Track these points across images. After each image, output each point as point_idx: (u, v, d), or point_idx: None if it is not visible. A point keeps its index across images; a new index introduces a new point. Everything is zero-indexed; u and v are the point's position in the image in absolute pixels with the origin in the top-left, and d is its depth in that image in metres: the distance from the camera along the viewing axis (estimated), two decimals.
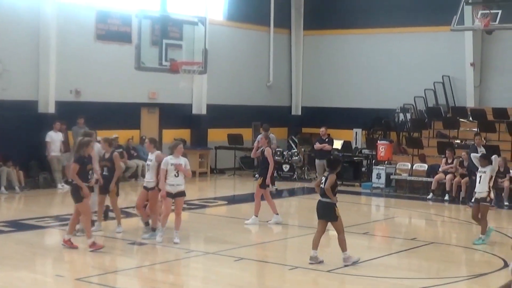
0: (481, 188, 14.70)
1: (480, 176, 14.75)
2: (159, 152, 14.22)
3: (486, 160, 14.93)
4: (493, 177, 14.78)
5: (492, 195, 14.74)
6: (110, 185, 14.34)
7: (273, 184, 23.41)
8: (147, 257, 12.97)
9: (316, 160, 23.39)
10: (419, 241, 15.07)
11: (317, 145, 22.99)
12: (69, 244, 13.08)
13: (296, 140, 28.35)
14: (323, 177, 12.54)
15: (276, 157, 25.02)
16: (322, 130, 23.19)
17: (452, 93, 27.56)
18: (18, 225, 15.60)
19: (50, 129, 21.64)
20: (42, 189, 21.40)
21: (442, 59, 27.81)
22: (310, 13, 31.13)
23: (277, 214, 16.42)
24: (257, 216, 16.22)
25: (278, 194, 22.82)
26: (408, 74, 28.49)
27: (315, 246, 12.31)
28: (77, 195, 12.95)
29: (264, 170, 16.17)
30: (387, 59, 29.27)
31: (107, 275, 11.72)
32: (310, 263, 12.16)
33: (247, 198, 21.87)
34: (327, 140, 22.98)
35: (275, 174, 24.59)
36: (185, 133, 26.31)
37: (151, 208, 14.20)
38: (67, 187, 21.81)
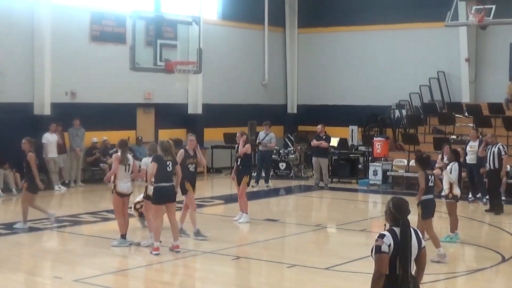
0: (444, 185, 14.67)
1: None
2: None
3: (452, 155, 14.90)
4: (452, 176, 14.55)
5: (455, 191, 14.37)
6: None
7: (267, 181, 23.61)
8: (144, 258, 12.97)
9: (313, 157, 23.42)
10: None
11: (314, 142, 23.02)
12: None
13: (292, 138, 28.37)
14: None
15: (273, 156, 25.09)
16: (319, 127, 23.21)
17: (448, 89, 27.60)
18: (15, 228, 15.59)
19: (46, 131, 21.62)
20: (39, 191, 21.31)
21: (437, 55, 27.84)
22: (304, 11, 31.14)
23: (247, 213, 16.32)
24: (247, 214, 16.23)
25: (275, 192, 22.87)
26: (403, 70, 28.51)
27: None
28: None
29: (247, 168, 16.31)
30: (382, 55, 29.29)
31: (105, 276, 11.72)
32: None
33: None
34: (324, 137, 23.00)
35: (271, 173, 24.85)
36: (181, 133, 26.29)
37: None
38: (64, 189, 21.87)
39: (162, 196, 12.88)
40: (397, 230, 6.48)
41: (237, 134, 16.47)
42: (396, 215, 6.52)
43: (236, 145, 16.90)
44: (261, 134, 23.86)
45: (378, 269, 6.43)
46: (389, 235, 6.45)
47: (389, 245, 6.39)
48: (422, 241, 6.65)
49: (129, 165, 13.45)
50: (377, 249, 6.40)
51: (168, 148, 13.14)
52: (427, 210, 12.51)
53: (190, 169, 14.38)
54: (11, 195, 20.42)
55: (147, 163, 13.41)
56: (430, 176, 12.63)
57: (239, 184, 16.40)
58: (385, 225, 6.62)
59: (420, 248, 6.58)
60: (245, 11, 29.41)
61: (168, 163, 12.94)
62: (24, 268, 12.12)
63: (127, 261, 12.86)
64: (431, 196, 12.62)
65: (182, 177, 13.59)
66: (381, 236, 6.46)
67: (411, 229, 6.54)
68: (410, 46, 28.64)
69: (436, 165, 21.70)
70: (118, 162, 13.28)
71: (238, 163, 16.46)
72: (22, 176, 21.09)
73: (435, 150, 22.93)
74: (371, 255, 6.52)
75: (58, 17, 22.50)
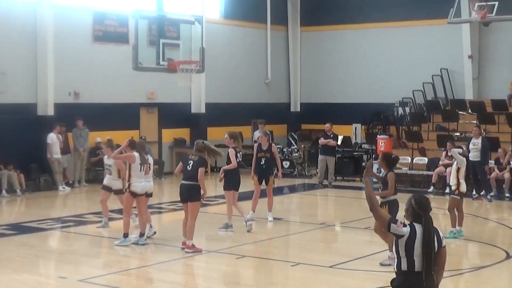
0: (451, 181, 14.68)
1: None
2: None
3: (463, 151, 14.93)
4: (462, 169, 14.45)
5: (462, 188, 14.42)
6: None
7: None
8: (149, 257, 12.99)
9: (319, 155, 23.44)
10: None
11: (322, 140, 23.03)
12: (192, 249, 13.09)
13: (296, 137, 28.36)
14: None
15: None
16: (327, 125, 23.22)
17: (451, 86, 27.56)
18: (19, 228, 15.61)
19: (50, 131, 21.63)
20: (43, 192, 21.41)
21: (439, 52, 27.81)
22: (306, 9, 31.12)
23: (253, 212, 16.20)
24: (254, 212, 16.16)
25: (279, 190, 22.84)
26: (406, 68, 28.48)
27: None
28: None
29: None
30: (385, 53, 29.27)
31: (109, 276, 11.73)
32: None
33: (248, 196, 21.88)
34: (331, 136, 23.02)
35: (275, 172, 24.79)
36: (184, 132, 26.33)
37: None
38: (68, 189, 21.89)
39: (180, 193, 13.31)
40: (417, 226, 6.47)
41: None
42: (419, 211, 6.51)
43: (256, 144, 16.76)
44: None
45: (378, 216, 6.72)
46: (409, 228, 6.46)
47: (403, 235, 6.41)
48: (443, 239, 6.61)
49: (149, 164, 13.57)
50: (394, 221, 6.48)
51: (198, 148, 13.34)
52: (394, 212, 11.98)
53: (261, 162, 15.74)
54: (15, 195, 20.44)
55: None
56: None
57: (260, 183, 16.32)
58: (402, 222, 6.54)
59: (441, 247, 6.53)
60: (248, 10, 29.40)
61: (189, 162, 13.09)
62: (28, 268, 12.12)
63: (132, 261, 12.87)
64: (396, 197, 12.17)
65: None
66: (404, 224, 6.50)
67: (435, 227, 6.52)
68: (413, 43, 28.60)
69: (440, 163, 21.78)
70: (133, 162, 13.34)
71: (263, 163, 16.29)
72: (26, 177, 21.20)
73: (438, 148, 22.95)
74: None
75: (61, 18, 22.52)
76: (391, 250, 11.90)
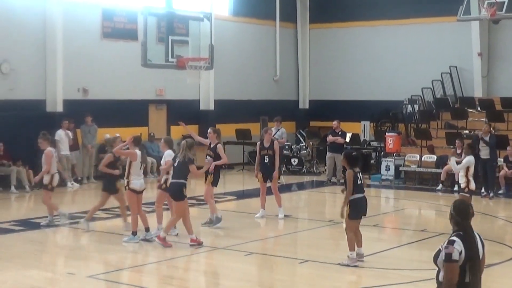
0: (460, 179, 14.65)
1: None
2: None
3: (469, 149, 14.87)
4: (471, 168, 14.38)
5: (471, 185, 14.36)
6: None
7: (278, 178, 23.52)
8: (157, 254, 12.99)
9: (327, 153, 23.42)
10: (429, 232, 15.06)
11: (330, 138, 23.02)
12: (163, 243, 13.24)
13: (304, 134, 28.34)
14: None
15: (285, 151, 25.08)
16: (335, 123, 23.21)
17: (460, 83, 27.48)
18: (28, 224, 15.65)
19: (59, 128, 21.67)
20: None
21: (449, 49, 27.73)
22: (315, 6, 31.09)
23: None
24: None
25: (287, 188, 22.85)
26: (415, 65, 28.42)
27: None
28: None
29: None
30: (394, 51, 29.21)
31: (118, 272, 11.76)
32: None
33: (256, 193, 21.85)
34: (340, 133, 23.00)
35: (283, 168, 24.80)
36: (193, 129, 26.08)
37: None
38: (76, 186, 21.93)
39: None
40: (460, 234, 6.20)
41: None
42: (458, 218, 6.24)
43: (259, 142, 16.72)
44: (272, 130, 23.82)
45: (450, 279, 6.03)
46: (459, 240, 6.13)
47: (460, 252, 6.07)
48: (484, 247, 6.34)
49: (141, 162, 13.56)
50: (448, 258, 6.02)
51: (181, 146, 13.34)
52: (356, 210, 11.82)
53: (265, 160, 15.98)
54: (24, 192, 20.50)
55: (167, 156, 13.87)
56: (358, 174, 11.95)
57: (265, 180, 16.31)
58: None
59: (483, 254, 6.31)
60: (257, 7, 29.39)
61: (176, 159, 13.20)
62: (37, 264, 12.16)
63: (140, 257, 12.89)
64: (361, 195, 11.90)
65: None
66: (451, 242, 6.12)
67: (475, 233, 6.26)
68: (422, 41, 28.53)
69: (449, 160, 21.72)
70: (134, 160, 13.36)
71: (266, 160, 16.27)
72: (35, 173, 21.22)
73: (447, 145, 22.91)
74: (434, 261, 6.17)
75: (70, 14, 22.56)
76: (351, 250, 11.80)
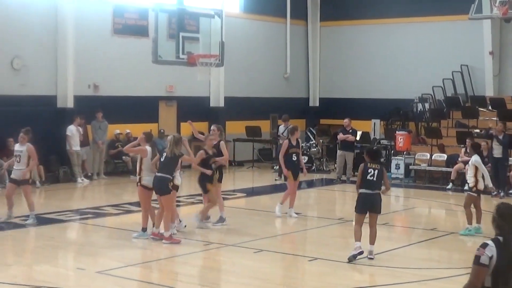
0: (468, 178, 14.61)
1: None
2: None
3: (474, 149, 14.85)
4: (480, 167, 14.32)
5: (480, 185, 14.33)
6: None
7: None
8: (167, 250, 13.01)
9: (338, 151, 23.40)
10: (439, 231, 15.03)
11: (341, 136, 23.00)
12: (159, 236, 13.30)
13: (314, 132, 28.32)
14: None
15: None
16: (346, 121, 23.19)
17: (471, 82, 27.39)
18: (39, 219, 15.66)
19: (69, 124, 21.74)
20: (62, 183, 21.52)
21: (460, 48, 27.65)
22: (326, 4, 31.05)
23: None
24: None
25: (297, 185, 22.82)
26: (426, 63, 28.35)
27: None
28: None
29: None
30: (405, 49, 29.15)
31: (127, 268, 11.78)
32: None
33: (266, 190, 21.93)
34: (350, 131, 22.98)
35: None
36: (203, 126, 26.30)
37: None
38: (87, 181, 21.99)
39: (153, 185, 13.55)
40: (502, 239, 5.81)
41: (212, 127, 15.32)
42: (500, 222, 5.84)
43: (286, 140, 16.63)
44: (281, 128, 23.84)
45: (472, 282, 5.78)
46: (493, 245, 5.76)
47: (491, 257, 5.71)
48: None
49: (151, 158, 13.59)
50: (476, 260, 5.75)
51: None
52: (359, 204, 12.00)
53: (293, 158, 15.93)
54: (34, 187, 20.52)
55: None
56: (370, 170, 12.07)
57: (295, 179, 16.26)
58: None
59: None
60: (267, 4, 29.39)
61: (163, 153, 13.42)
62: (47, 259, 12.19)
63: (150, 253, 12.91)
64: (367, 191, 11.97)
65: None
66: (484, 245, 5.80)
67: None
68: (434, 39, 28.45)
69: (459, 159, 21.67)
70: (145, 156, 13.39)
71: (295, 159, 16.21)
72: (46, 169, 21.31)
73: (458, 144, 22.85)
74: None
75: (81, 11, 22.62)
76: (356, 240, 11.92)
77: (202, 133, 15.94)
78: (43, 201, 19.42)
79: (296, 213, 16.35)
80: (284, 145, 16.01)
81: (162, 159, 13.27)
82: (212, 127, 15.42)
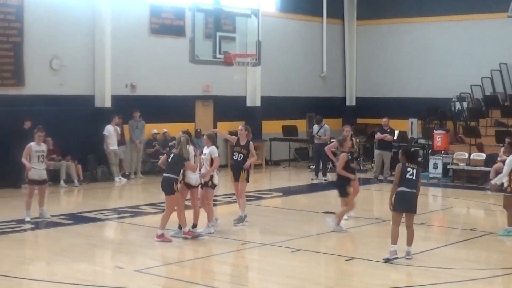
0: (503, 178, 14.38)
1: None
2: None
3: (509, 147, 14.66)
4: None
5: None
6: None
7: (324, 175, 23.42)
8: (204, 249, 13.05)
9: (375, 150, 23.28)
10: (478, 231, 14.87)
11: (378, 135, 22.88)
12: (162, 239, 13.30)
13: (351, 131, 28.16)
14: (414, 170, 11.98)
15: (332, 149, 24.91)
16: (384, 120, 23.07)
17: (510, 81, 27.06)
18: (77, 218, 15.85)
19: (107, 123, 21.91)
20: (100, 183, 21.70)
21: (499, 46, 27.34)
22: (363, 2, 30.92)
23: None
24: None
25: (333, 185, 22.73)
26: (464, 62, 28.08)
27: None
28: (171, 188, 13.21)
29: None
30: (442, 47, 28.90)
31: (165, 267, 11.83)
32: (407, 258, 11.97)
33: (303, 190, 21.91)
34: (388, 130, 22.85)
35: (330, 166, 24.63)
36: (239, 125, 26.35)
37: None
38: (124, 180, 22.14)
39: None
40: None
41: (240, 128, 15.37)
42: None
43: (344, 153, 16.55)
44: (315, 127, 23.78)
45: None
46: None
47: None
48: None
49: (194, 156, 13.64)
50: None
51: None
52: (398, 202, 11.89)
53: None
54: (73, 186, 20.76)
55: (214, 152, 14.02)
56: (409, 169, 11.90)
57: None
58: None
59: None
60: (304, 3, 29.35)
61: (170, 154, 13.44)
62: (85, 257, 12.29)
63: (187, 252, 12.95)
64: (406, 190, 11.85)
65: None
66: None
67: None
68: (471, 37, 28.18)
69: (498, 159, 21.39)
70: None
71: (350, 158, 16.12)
72: (84, 168, 21.51)
73: (497, 143, 22.58)
74: None
75: (118, 11, 22.78)
76: (393, 243, 11.81)
77: (236, 133, 15.91)
78: (81, 200, 19.62)
79: (329, 212, 16.29)
80: (343, 158, 14.89)
81: (169, 160, 13.31)
82: (239, 127, 15.42)
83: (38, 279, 11.01)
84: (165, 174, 13.34)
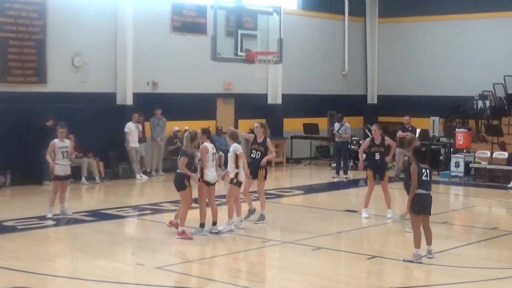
0: None
1: None
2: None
3: None
4: None
5: None
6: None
7: (345, 173, 23.38)
8: (225, 246, 13.07)
9: (397, 148, 23.17)
10: (500, 230, 14.78)
11: (400, 134, 22.81)
12: (183, 236, 13.33)
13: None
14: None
15: (353, 146, 24.94)
16: (406, 118, 23.03)
17: None
18: (98, 215, 15.93)
19: (128, 121, 21.99)
20: (121, 180, 21.78)
21: None
22: (385, 0, 30.80)
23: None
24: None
25: (355, 183, 22.71)
26: (487, 60, 27.91)
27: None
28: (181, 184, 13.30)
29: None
30: (464, 45, 28.74)
31: (186, 264, 11.86)
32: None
33: (323, 188, 21.87)
34: (410, 129, 22.78)
35: (351, 164, 24.61)
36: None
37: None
38: (145, 178, 22.21)
39: None
40: None
41: (256, 125, 15.24)
42: None
43: (369, 138, 16.55)
44: (336, 125, 23.73)
45: None
46: None
47: None
48: None
49: (213, 154, 13.66)
50: None
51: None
52: (416, 205, 11.74)
53: None
54: (94, 183, 20.85)
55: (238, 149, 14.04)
56: (423, 170, 11.80)
57: (374, 178, 16.10)
58: None
59: None
60: (325, 1, 29.31)
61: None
62: (106, 254, 12.35)
63: (207, 250, 12.96)
64: (424, 192, 11.75)
65: None
66: None
67: None
68: (494, 35, 28.00)
69: None
70: (206, 153, 13.49)
71: (377, 157, 16.04)
72: (105, 165, 21.62)
73: None
74: None
75: (140, 8, 22.85)
76: (417, 247, 11.70)
77: (253, 131, 15.89)
78: (102, 197, 19.70)
79: (349, 210, 16.23)
80: (366, 143, 15.86)
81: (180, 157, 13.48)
82: (255, 125, 15.35)
83: (60, 275, 11.07)
84: (177, 171, 13.47)
